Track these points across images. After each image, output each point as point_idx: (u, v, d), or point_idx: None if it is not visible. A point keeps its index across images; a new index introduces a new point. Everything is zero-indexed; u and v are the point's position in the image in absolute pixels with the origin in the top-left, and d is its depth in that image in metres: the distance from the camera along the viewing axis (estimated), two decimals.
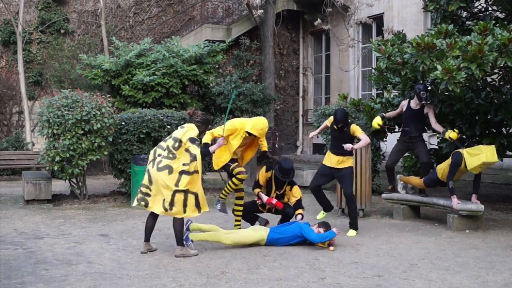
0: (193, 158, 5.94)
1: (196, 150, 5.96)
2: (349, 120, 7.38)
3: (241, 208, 7.10)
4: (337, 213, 8.62)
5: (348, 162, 7.27)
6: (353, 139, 7.29)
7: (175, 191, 5.90)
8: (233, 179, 6.84)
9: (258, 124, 6.74)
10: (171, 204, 5.92)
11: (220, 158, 6.80)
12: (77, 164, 9.36)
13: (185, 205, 5.95)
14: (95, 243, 6.69)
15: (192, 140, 6.00)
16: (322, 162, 7.49)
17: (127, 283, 5.05)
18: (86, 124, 9.26)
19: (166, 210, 5.95)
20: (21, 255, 6.12)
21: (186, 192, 5.93)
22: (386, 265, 5.73)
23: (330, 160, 7.33)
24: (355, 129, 7.19)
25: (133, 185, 9.65)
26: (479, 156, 7.19)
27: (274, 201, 6.97)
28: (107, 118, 9.42)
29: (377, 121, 8.30)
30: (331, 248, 6.36)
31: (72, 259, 5.91)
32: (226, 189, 6.94)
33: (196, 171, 5.97)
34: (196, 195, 6.00)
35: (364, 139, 7.24)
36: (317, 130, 7.78)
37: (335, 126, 7.21)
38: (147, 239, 6.26)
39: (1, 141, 15.56)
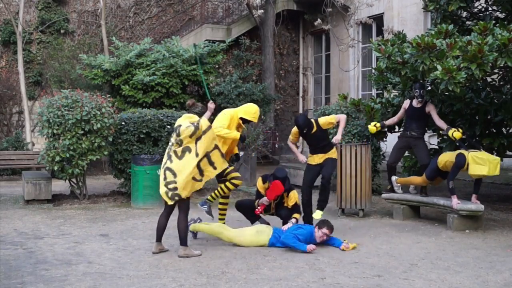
0: (194, 128, 5.97)
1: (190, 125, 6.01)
2: (315, 119, 7.33)
3: (226, 206, 7.14)
4: (337, 213, 8.61)
5: (331, 154, 7.26)
6: (327, 131, 7.30)
7: (199, 161, 5.96)
8: (228, 184, 6.82)
9: (250, 109, 6.94)
10: (201, 172, 5.99)
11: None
12: (77, 164, 9.36)
13: (211, 163, 6.04)
14: (95, 243, 6.69)
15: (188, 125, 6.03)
16: (307, 162, 7.38)
17: (127, 283, 5.05)
18: (86, 124, 9.26)
19: (200, 180, 6.01)
20: (21, 255, 6.12)
21: (205, 155, 6.00)
22: (386, 265, 5.73)
23: (314, 159, 7.30)
24: (324, 120, 7.20)
25: (133, 185, 9.65)
26: (482, 168, 7.16)
27: (266, 201, 6.93)
28: (107, 118, 9.42)
29: (374, 124, 8.33)
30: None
31: (72, 259, 5.91)
32: (217, 192, 6.92)
33: (207, 128, 6.03)
34: (218, 148, 6.12)
35: (341, 118, 7.21)
36: (295, 151, 7.51)
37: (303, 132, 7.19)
38: (158, 239, 6.24)
39: (1, 141, 15.56)
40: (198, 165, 5.98)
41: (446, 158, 7.60)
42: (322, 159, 7.25)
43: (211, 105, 6.34)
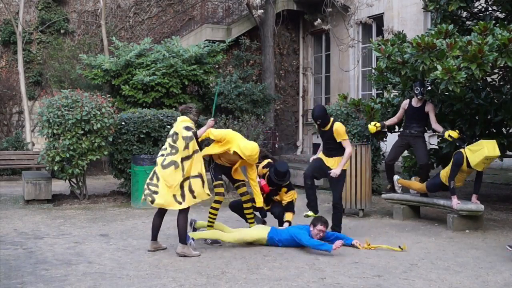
0: (188, 140, 5.96)
1: (187, 132, 5.99)
2: (332, 118, 7.03)
3: (250, 205, 6.94)
4: None
5: (336, 165, 6.94)
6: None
7: (182, 181, 5.93)
8: (213, 204, 6.77)
9: (246, 149, 6.48)
10: (183, 196, 5.95)
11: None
12: (77, 164, 9.36)
13: (191, 191, 5.96)
14: (95, 243, 6.69)
15: (186, 128, 6.04)
16: (318, 156, 7.16)
17: (127, 283, 5.06)
18: (86, 124, 9.26)
19: (180, 203, 5.96)
20: (21, 255, 6.12)
21: (188, 178, 5.97)
22: (386, 265, 5.73)
23: (324, 158, 7.08)
24: (340, 131, 6.79)
25: (133, 185, 9.65)
26: (481, 151, 7.16)
27: (263, 182, 6.93)
28: (107, 118, 9.42)
29: (374, 123, 8.28)
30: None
31: (72, 259, 5.92)
32: (209, 220, 6.78)
33: (195, 151, 6.01)
34: (201, 177, 6.02)
35: (347, 152, 6.80)
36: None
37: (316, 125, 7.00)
38: (154, 237, 6.29)
39: (1, 141, 15.56)
40: (181, 186, 5.94)
41: (447, 169, 7.59)
42: (328, 163, 6.99)
43: (210, 122, 6.36)
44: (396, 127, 9.04)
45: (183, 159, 5.96)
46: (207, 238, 6.58)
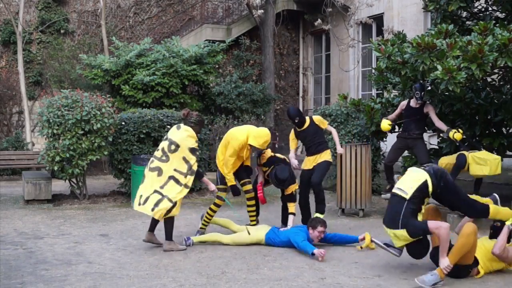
0: (191, 173, 6.06)
1: (196, 166, 6.08)
2: (310, 116, 7.56)
3: (253, 202, 7.04)
4: (337, 213, 8.61)
5: (324, 156, 7.35)
6: (322, 132, 7.47)
7: (155, 191, 6.03)
8: (212, 206, 6.87)
9: (260, 137, 6.76)
10: (156, 204, 6.04)
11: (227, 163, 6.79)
12: (77, 164, 9.35)
13: (156, 205, 6.03)
14: (95, 243, 6.69)
15: (192, 150, 6.08)
16: (301, 167, 7.49)
17: (127, 283, 5.06)
18: (86, 124, 9.25)
19: (152, 210, 6.07)
20: (21, 255, 6.13)
21: (165, 197, 6.04)
22: (386, 265, 5.73)
23: (307, 163, 7.42)
24: (322, 119, 7.49)
25: (133, 185, 9.64)
26: (484, 168, 7.21)
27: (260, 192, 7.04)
28: (107, 118, 9.42)
29: (387, 122, 8.24)
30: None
31: (72, 259, 5.92)
32: (205, 219, 6.90)
33: (187, 186, 6.11)
34: (174, 205, 6.09)
35: (333, 130, 7.64)
36: (293, 154, 7.56)
37: (297, 128, 7.38)
38: (151, 229, 6.36)
39: (1, 141, 15.55)
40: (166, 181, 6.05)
41: (447, 160, 7.61)
42: (315, 162, 7.33)
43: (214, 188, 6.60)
44: (396, 127, 9.04)
45: (171, 177, 6.03)
46: (206, 241, 6.58)
